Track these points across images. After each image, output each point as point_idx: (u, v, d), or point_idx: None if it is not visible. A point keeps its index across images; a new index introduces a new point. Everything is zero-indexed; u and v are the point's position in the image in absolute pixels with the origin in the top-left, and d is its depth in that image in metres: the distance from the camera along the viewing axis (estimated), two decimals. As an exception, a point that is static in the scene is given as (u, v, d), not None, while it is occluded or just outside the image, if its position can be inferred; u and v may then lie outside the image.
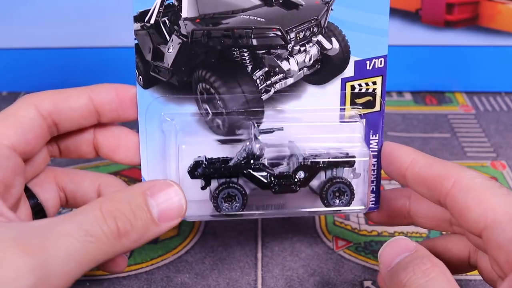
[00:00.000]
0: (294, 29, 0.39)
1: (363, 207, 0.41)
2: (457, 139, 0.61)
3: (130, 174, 0.55)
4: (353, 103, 0.41)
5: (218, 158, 0.40)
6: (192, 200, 0.37)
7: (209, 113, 0.40)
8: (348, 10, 0.40)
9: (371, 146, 0.41)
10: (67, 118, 0.39)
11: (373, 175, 0.42)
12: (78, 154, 0.42)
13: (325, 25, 0.40)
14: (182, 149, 0.39)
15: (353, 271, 0.44)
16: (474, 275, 0.43)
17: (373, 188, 0.42)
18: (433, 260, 0.33)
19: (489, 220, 0.32)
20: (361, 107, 0.41)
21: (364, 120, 0.41)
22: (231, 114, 0.40)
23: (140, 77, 0.39)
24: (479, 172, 0.35)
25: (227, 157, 0.40)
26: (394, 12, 0.64)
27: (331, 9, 0.39)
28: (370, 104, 0.41)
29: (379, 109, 0.41)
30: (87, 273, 0.45)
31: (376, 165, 0.41)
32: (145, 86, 0.39)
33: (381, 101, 0.41)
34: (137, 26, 0.39)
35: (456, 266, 0.39)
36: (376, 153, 0.41)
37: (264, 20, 0.39)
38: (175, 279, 0.44)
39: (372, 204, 0.42)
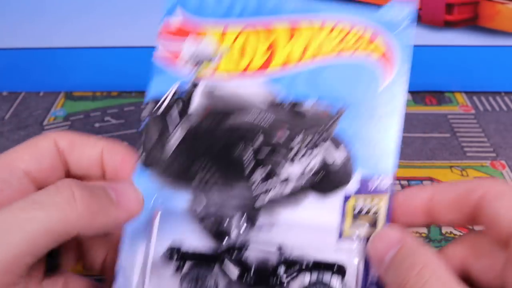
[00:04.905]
0: (301, 134, 0.38)
1: None
2: (456, 139, 0.61)
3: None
4: (354, 220, 0.37)
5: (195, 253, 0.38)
6: None
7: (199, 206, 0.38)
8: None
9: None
10: (77, 161, 0.39)
11: None
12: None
13: (330, 136, 0.38)
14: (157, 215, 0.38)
15: (352, 271, 0.44)
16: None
17: None
18: (422, 257, 0.32)
19: None
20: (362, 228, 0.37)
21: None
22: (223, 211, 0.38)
23: (144, 153, 0.39)
24: (507, 181, 0.35)
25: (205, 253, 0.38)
26: (394, 12, 0.64)
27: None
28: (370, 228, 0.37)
29: None
30: (89, 273, 0.45)
31: None
32: (145, 164, 0.39)
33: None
34: (146, 112, 0.40)
35: None
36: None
37: (273, 117, 0.39)
38: (174, 279, 0.44)
39: None
